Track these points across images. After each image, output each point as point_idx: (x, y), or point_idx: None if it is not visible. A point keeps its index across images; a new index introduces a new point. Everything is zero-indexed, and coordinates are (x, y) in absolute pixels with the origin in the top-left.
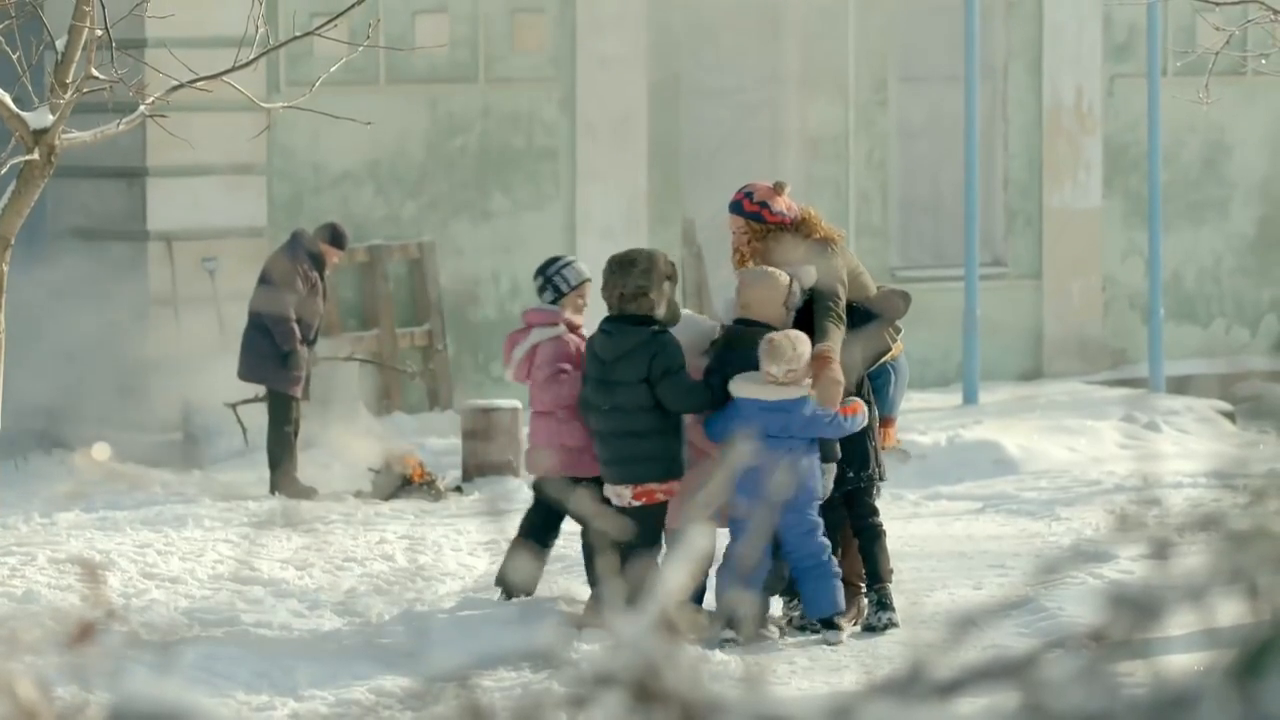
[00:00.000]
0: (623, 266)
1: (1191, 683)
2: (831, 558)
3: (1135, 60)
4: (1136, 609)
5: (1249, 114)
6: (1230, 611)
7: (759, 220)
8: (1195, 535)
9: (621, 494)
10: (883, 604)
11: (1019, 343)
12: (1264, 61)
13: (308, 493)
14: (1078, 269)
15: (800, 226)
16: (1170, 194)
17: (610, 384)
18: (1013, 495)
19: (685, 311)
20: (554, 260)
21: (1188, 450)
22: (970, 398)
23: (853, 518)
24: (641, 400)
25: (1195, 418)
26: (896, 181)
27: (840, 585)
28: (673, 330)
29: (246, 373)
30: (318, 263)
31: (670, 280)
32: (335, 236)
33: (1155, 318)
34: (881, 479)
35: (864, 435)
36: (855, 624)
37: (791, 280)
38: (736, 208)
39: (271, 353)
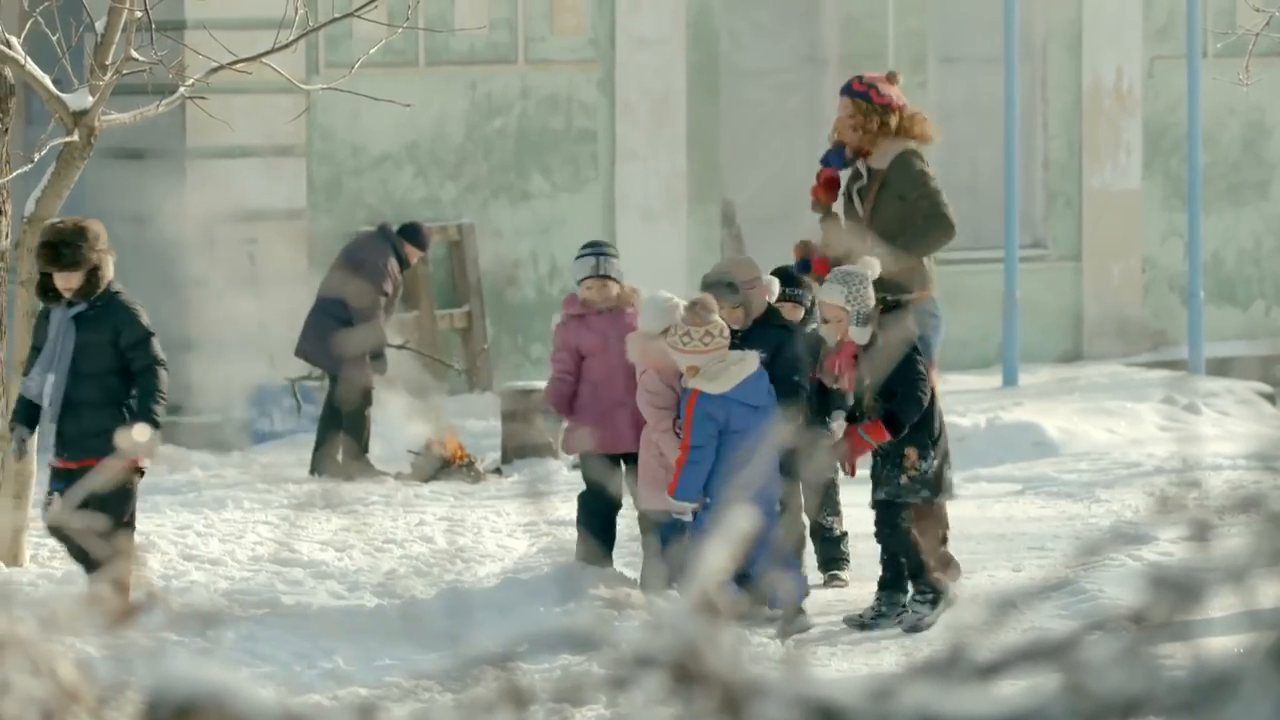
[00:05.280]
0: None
1: (1232, 665)
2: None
3: (1175, 41)
4: (1177, 591)
5: None
6: (1271, 593)
7: (866, 99)
8: (1235, 517)
9: None
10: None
11: (1059, 324)
12: None
13: (366, 472)
14: (1118, 251)
15: (903, 122)
16: (1210, 175)
17: None
18: (1052, 477)
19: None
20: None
21: (1228, 432)
22: (1010, 380)
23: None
24: None
25: (1235, 399)
26: (935, 162)
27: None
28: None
29: (311, 354)
30: (404, 264)
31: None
32: (416, 237)
33: (1195, 299)
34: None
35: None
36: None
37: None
38: (846, 89)
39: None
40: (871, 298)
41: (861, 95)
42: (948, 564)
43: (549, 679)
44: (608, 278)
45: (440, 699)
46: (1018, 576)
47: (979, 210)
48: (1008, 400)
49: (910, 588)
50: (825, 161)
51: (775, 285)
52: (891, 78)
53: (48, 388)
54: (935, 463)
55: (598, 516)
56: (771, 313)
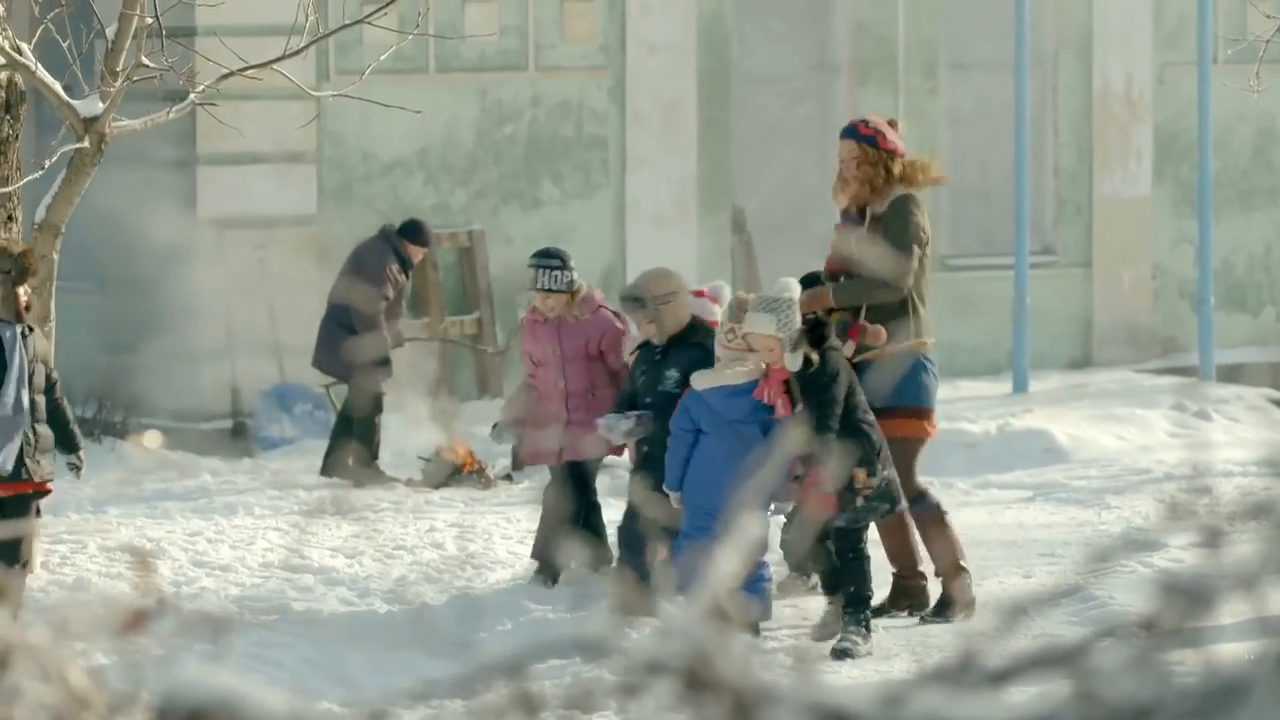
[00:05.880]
0: None
1: (1243, 671)
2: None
3: (1185, 48)
4: (1187, 597)
5: None
6: None
7: (873, 144)
8: (1246, 524)
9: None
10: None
11: (1069, 331)
12: None
13: (377, 478)
14: (1128, 257)
15: (905, 169)
16: (1220, 182)
17: None
18: (1063, 484)
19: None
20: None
21: (1238, 438)
22: (1020, 386)
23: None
24: None
25: (1245, 406)
26: (946, 169)
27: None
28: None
29: (324, 363)
30: (406, 264)
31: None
32: (418, 235)
33: (1205, 306)
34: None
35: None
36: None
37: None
38: (851, 131)
39: (349, 344)
40: (798, 320)
41: (869, 140)
42: (959, 574)
43: (560, 685)
44: (548, 290)
45: (451, 706)
46: (1028, 583)
47: (989, 217)
48: (1018, 407)
49: (849, 615)
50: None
51: (710, 304)
52: (893, 124)
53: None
54: (886, 473)
55: (570, 524)
56: (692, 329)
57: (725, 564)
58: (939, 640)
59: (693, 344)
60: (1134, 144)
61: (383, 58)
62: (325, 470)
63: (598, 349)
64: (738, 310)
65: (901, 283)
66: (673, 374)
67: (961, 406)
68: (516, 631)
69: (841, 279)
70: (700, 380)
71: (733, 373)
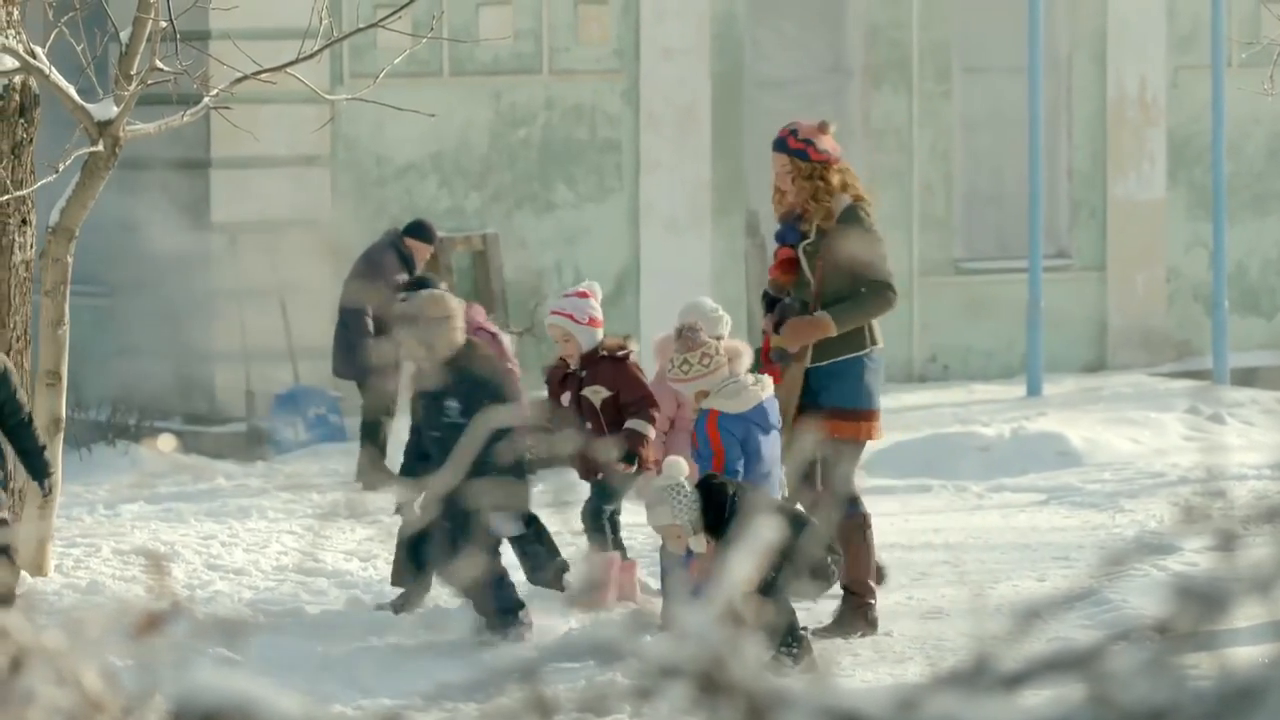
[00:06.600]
0: None
1: (1258, 675)
2: None
3: (1199, 52)
4: (1202, 601)
5: None
6: None
7: (804, 158)
8: (1260, 527)
9: None
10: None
11: (1083, 334)
12: None
13: (387, 480)
14: (1142, 261)
15: (843, 174)
16: (1234, 185)
17: None
18: (1077, 487)
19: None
20: None
21: (1252, 442)
22: (1034, 389)
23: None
24: None
25: (1260, 410)
26: (960, 172)
27: None
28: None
29: (339, 369)
30: (408, 262)
31: None
32: (421, 232)
33: (1219, 310)
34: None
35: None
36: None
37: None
38: (781, 145)
39: (359, 347)
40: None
41: (799, 153)
42: (866, 592)
43: (574, 689)
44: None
45: (464, 709)
46: (1042, 586)
47: (1003, 220)
48: (1032, 410)
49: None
50: (781, 239)
51: (586, 301)
52: (824, 127)
53: None
54: (829, 560)
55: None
56: (466, 355)
57: (740, 568)
58: (952, 643)
59: (466, 370)
60: (1148, 147)
61: (397, 61)
62: (359, 476)
63: None
64: (685, 336)
65: (893, 292)
66: (454, 405)
67: (976, 410)
68: (530, 635)
69: (789, 296)
70: (731, 404)
71: (757, 389)
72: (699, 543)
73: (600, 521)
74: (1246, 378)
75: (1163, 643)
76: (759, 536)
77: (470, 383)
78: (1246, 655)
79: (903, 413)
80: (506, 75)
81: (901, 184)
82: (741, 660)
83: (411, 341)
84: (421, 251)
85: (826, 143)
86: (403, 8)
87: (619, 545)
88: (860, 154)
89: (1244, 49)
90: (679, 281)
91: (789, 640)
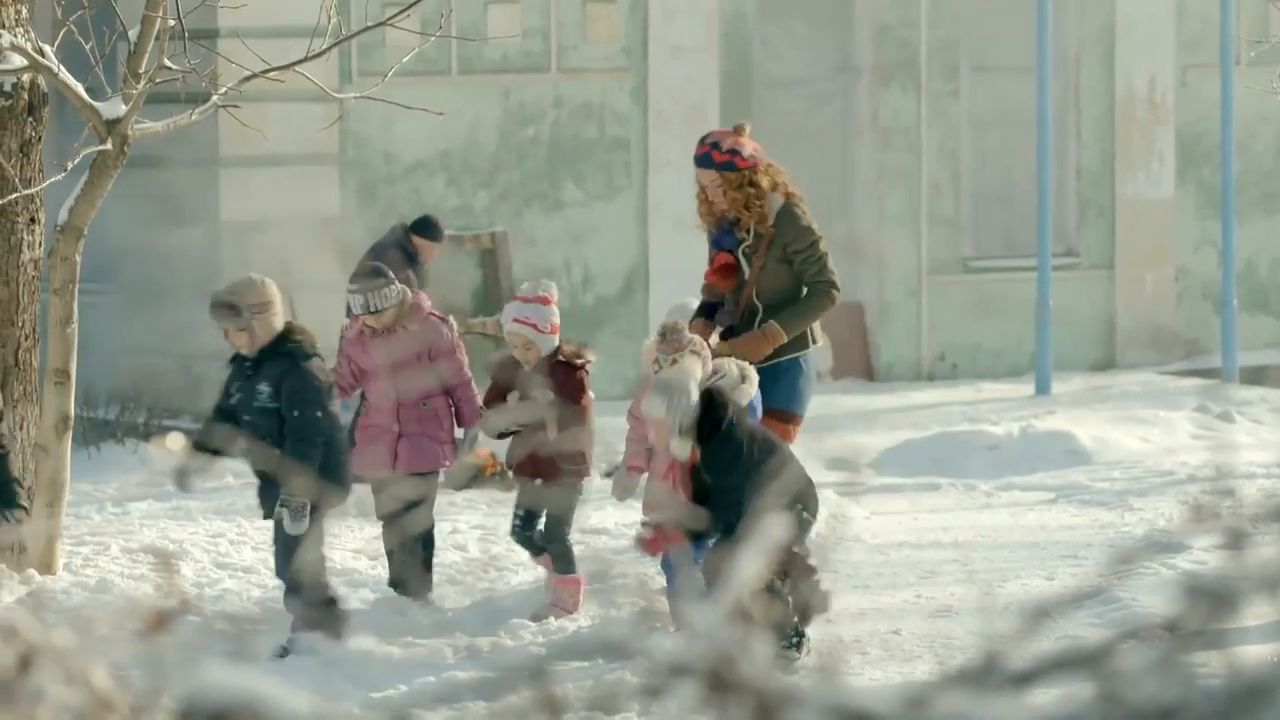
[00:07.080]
0: None
1: (1267, 673)
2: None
3: (1208, 50)
4: (1211, 599)
5: None
6: None
7: (732, 169)
8: (1269, 525)
9: None
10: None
11: (1092, 333)
12: None
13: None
14: (1151, 259)
15: (770, 173)
16: (1243, 184)
17: None
18: (1085, 485)
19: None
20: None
21: (1261, 441)
22: (1043, 388)
23: None
24: None
25: (1269, 408)
26: (968, 171)
27: None
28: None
29: None
30: (411, 258)
31: None
32: (427, 229)
33: (1228, 308)
34: None
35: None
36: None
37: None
38: (706, 160)
39: None
40: (693, 408)
41: (726, 165)
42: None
43: (583, 688)
44: (380, 310)
45: (474, 708)
46: (1051, 585)
47: (1012, 219)
48: (1041, 408)
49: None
50: (717, 244)
51: (543, 306)
52: (740, 130)
53: None
54: (807, 600)
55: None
56: (283, 339)
57: (748, 566)
58: (961, 642)
59: (281, 354)
60: (1156, 146)
61: (405, 59)
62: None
63: (428, 357)
64: (670, 338)
65: (837, 290)
66: (265, 388)
67: (984, 408)
68: (539, 634)
69: (727, 302)
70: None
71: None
72: (683, 446)
73: (560, 537)
74: (1255, 376)
75: (1172, 641)
76: (767, 535)
77: (283, 370)
78: (1256, 654)
79: (911, 411)
80: (515, 74)
81: (910, 183)
82: (751, 658)
83: (230, 328)
84: (427, 249)
85: (749, 147)
86: (411, 6)
87: (541, 551)
88: (868, 153)
89: (1253, 48)
90: (687, 280)
91: (789, 635)
